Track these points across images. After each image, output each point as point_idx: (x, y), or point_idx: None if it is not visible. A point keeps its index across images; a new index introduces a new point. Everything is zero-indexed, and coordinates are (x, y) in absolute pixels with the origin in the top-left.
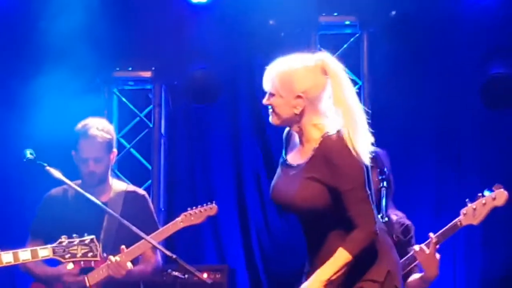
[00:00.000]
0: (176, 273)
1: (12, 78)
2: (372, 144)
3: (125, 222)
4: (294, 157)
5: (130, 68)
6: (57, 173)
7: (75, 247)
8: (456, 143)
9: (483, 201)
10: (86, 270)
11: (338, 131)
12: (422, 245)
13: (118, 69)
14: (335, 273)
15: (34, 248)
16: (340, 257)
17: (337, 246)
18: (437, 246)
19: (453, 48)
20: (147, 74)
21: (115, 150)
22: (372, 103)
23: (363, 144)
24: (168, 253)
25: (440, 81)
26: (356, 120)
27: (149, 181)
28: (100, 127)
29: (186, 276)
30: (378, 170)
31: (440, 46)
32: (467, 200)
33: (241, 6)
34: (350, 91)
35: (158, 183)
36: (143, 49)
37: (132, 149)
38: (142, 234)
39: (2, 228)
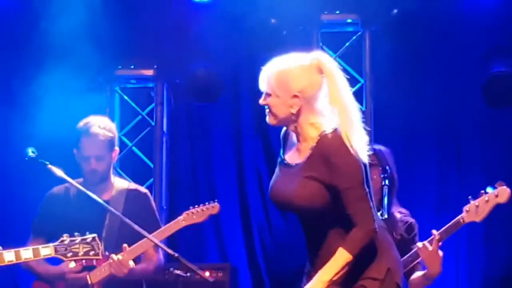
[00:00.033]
0: (178, 272)
1: (14, 76)
2: (375, 142)
3: (127, 220)
4: (292, 157)
5: (132, 67)
6: (59, 172)
7: (77, 246)
8: (457, 141)
9: (486, 198)
10: (88, 268)
11: (335, 130)
12: (425, 242)
13: (120, 67)
14: (336, 274)
15: (36, 246)
16: (341, 257)
17: (336, 245)
18: (440, 243)
19: (454, 46)
20: (149, 72)
21: (117, 148)
22: (374, 101)
23: (359, 142)
24: (170, 251)
25: (442, 79)
26: (351, 119)
27: (151, 179)
28: (102, 125)
29: (188, 274)
30: (381, 168)
31: (441, 44)
32: (469, 197)
33: (243, 4)
34: (345, 90)
35: (160, 181)
36: (145, 47)
37: (134, 147)
38: (144, 232)
39: (4, 226)
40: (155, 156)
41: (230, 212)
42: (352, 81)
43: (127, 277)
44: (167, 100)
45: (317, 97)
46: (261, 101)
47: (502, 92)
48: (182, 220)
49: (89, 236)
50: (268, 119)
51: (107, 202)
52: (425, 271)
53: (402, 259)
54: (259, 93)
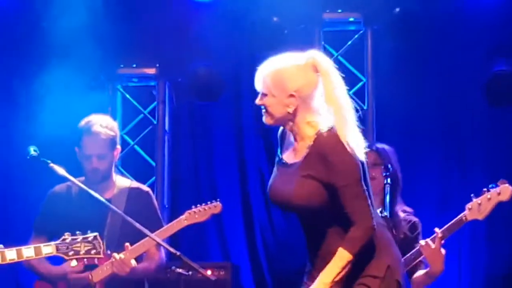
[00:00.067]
0: (180, 270)
1: (16, 75)
2: (377, 141)
3: (129, 219)
4: (290, 156)
5: (134, 65)
6: (60, 170)
7: (78, 244)
8: (459, 140)
9: (488, 196)
10: (90, 267)
11: (331, 128)
12: (428, 240)
13: (122, 66)
14: (338, 274)
15: (38, 245)
16: (341, 258)
17: (336, 244)
18: (443, 241)
19: (456, 45)
20: (151, 71)
21: (118, 146)
22: (376, 100)
23: (355, 140)
24: (172, 250)
25: (444, 78)
26: (346, 118)
27: (153, 178)
28: (103, 124)
29: (190, 273)
30: (383, 167)
31: (443, 43)
32: (472, 195)
33: (244, 3)
34: (340, 89)
35: (162, 180)
36: (147, 46)
37: (136, 146)
38: (146, 231)
39: (6, 225)
40: (157, 154)
41: (232, 210)
42: (354, 80)
43: (129, 276)
44: (169, 98)
45: (313, 96)
46: (257, 101)
47: (504, 91)
48: (184, 219)
49: (90, 235)
50: (265, 119)
51: (109, 200)
52: (428, 269)
53: (404, 257)
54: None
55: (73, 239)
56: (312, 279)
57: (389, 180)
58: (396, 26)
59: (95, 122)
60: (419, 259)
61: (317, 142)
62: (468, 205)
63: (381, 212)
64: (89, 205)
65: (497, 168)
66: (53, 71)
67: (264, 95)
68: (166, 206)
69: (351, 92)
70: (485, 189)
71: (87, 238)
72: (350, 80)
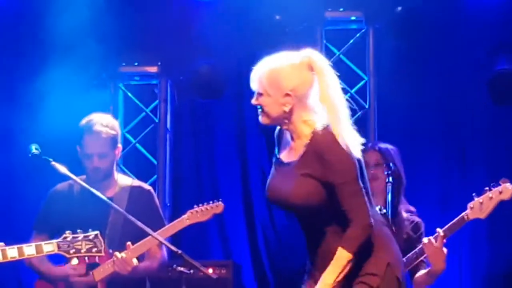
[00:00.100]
0: (181, 269)
1: (18, 74)
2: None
3: (131, 217)
4: (287, 155)
5: (136, 63)
6: (62, 168)
7: (80, 243)
8: (461, 138)
9: (490, 195)
10: (91, 266)
11: (327, 126)
12: (431, 238)
13: (124, 64)
14: (339, 274)
15: (39, 243)
16: (341, 258)
17: (335, 243)
18: (444, 241)
19: (459, 44)
20: (153, 69)
21: (119, 145)
22: (378, 98)
23: (350, 138)
24: (173, 248)
25: (446, 76)
26: (339, 117)
27: (155, 176)
28: (104, 123)
29: (192, 271)
30: (385, 165)
31: (446, 42)
32: (473, 194)
33: (246, 1)
34: (335, 88)
35: (164, 178)
36: (149, 44)
37: (137, 144)
38: (148, 230)
39: (7, 223)
40: (159, 153)
41: (234, 209)
42: (356, 79)
43: (130, 275)
44: (171, 97)
45: (309, 94)
46: (253, 101)
47: (507, 90)
48: (186, 219)
49: (91, 233)
50: (261, 118)
51: (110, 199)
52: (429, 268)
53: (406, 257)
54: None
55: (74, 237)
56: (313, 277)
57: (390, 178)
58: (398, 25)
59: (96, 121)
60: (421, 258)
61: (314, 140)
62: (470, 204)
63: (380, 210)
64: (90, 203)
65: (499, 167)
66: (55, 69)
67: (260, 94)
68: (168, 204)
69: (352, 91)
70: (486, 188)
71: (88, 236)
72: (351, 79)
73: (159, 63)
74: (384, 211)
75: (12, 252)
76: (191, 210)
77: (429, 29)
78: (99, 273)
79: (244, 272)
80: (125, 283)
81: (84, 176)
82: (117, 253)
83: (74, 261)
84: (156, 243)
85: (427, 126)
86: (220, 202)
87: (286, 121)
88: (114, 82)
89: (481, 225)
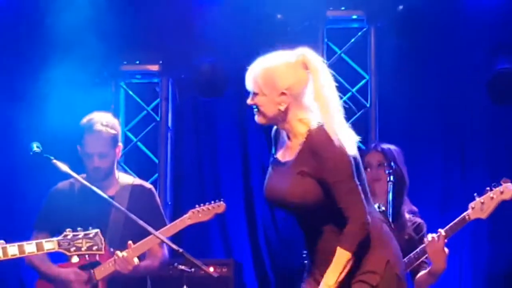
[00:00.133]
0: (182, 267)
1: (20, 72)
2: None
3: (133, 216)
4: (284, 154)
5: (137, 62)
6: (63, 166)
7: (80, 241)
8: (462, 138)
9: (491, 195)
10: (92, 265)
11: (322, 125)
12: (434, 235)
13: (125, 62)
14: (340, 274)
15: (40, 241)
16: (340, 258)
17: (333, 242)
18: (446, 240)
19: (460, 43)
20: (155, 67)
21: (120, 144)
22: (379, 97)
23: (345, 136)
24: (174, 247)
25: (447, 76)
26: (332, 115)
27: (156, 175)
28: (104, 122)
29: (193, 270)
30: (386, 164)
31: (447, 41)
32: (475, 194)
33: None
34: (329, 87)
35: (165, 177)
36: (150, 42)
37: (139, 143)
38: (150, 229)
39: (8, 221)
40: (160, 151)
41: (235, 207)
42: (357, 77)
43: (131, 274)
44: (172, 95)
45: (304, 93)
46: (248, 101)
47: (507, 89)
48: (188, 218)
49: (92, 231)
50: (257, 118)
51: (111, 198)
52: (430, 267)
53: (407, 257)
54: None
55: (74, 235)
56: (312, 276)
57: (391, 177)
58: (399, 24)
59: (97, 121)
60: (422, 259)
61: (309, 138)
62: (471, 204)
63: (379, 207)
64: (91, 202)
65: (500, 167)
66: (57, 67)
67: (255, 94)
68: (169, 203)
69: (354, 90)
70: (488, 188)
71: (88, 234)
72: (353, 77)
73: (161, 62)
74: (383, 208)
75: (12, 250)
76: (193, 210)
77: (431, 28)
78: (100, 272)
79: (245, 271)
80: (126, 282)
81: (84, 175)
82: (118, 252)
83: (75, 259)
84: (158, 242)
85: (428, 125)
86: (221, 202)
87: (282, 120)
88: (115, 80)
89: (482, 225)
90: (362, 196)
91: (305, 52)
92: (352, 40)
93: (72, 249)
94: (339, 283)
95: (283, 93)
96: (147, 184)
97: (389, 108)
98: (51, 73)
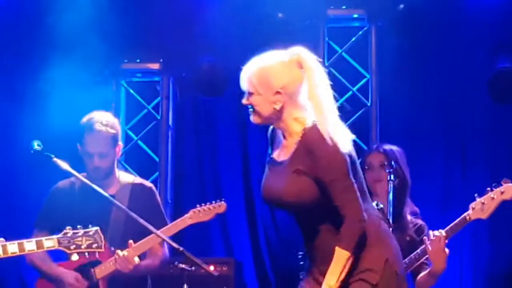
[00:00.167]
0: (183, 266)
1: (21, 71)
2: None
3: (134, 215)
4: (280, 154)
5: (138, 60)
6: (64, 165)
7: (80, 238)
8: (462, 137)
9: (492, 195)
10: (92, 263)
11: (316, 123)
12: (436, 232)
13: (126, 61)
14: (341, 273)
15: (40, 238)
16: (340, 257)
17: (330, 241)
18: (446, 241)
19: (460, 42)
20: (155, 66)
21: (120, 143)
22: (380, 96)
23: (339, 134)
24: (175, 245)
25: (447, 75)
26: (325, 115)
27: (157, 173)
28: (104, 122)
29: (193, 268)
30: (386, 163)
31: (447, 40)
32: (476, 194)
33: None
34: (322, 86)
35: (166, 175)
36: (151, 41)
37: (139, 141)
38: (151, 228)
39: (9, 219)
40: (161, 150)
41: (236, 206)
42: (358, 76)
43: (132, 273)
44: (173, 94)
45: (299, 92)
46: (243, 101)
47: (508, 88)
48: (189, 218)
49: (91, 229)
50: (252, 118)
51: (112, 196)
52: (430, 268)
53: (408, 258)
54: None
55: (74, 233)
56: (311, 274)
57: (392, 176)
58: (400, 23)
59: (97, 120)
60: (422, 260)
61: (304, 137)
62: (472, 205)
63: (377, 205)
64: (92, 201)
65: (501, 166)
66: (57, 66)
67: (250, 94)
68: (169, 201)
69: (354, 89)
70: (488, 189)
71: (88, 232)
72: (354, 76)
73: (161, 60)
74: (381, 206)
75: (12, 248)
76: (194, 210)
77: (431, 27)
78: (101, 271)
79: (246, 270)
80: (126, 281)
81: (85, 174)
82: (119, 251)
83: (75, 257)
84: (158, 241)
85: (429, 124)
86: (222, 202)
87: (278, 119)
88: (116, 79)
89: (482, 225)
90: (358, 194)
91: (300, 51)
92: (353, 39)
93: (72, 246)
94: (340, 282)
95: (278, 92)
96: (148, 183)
97: (390, 107)
98: (52, 71)
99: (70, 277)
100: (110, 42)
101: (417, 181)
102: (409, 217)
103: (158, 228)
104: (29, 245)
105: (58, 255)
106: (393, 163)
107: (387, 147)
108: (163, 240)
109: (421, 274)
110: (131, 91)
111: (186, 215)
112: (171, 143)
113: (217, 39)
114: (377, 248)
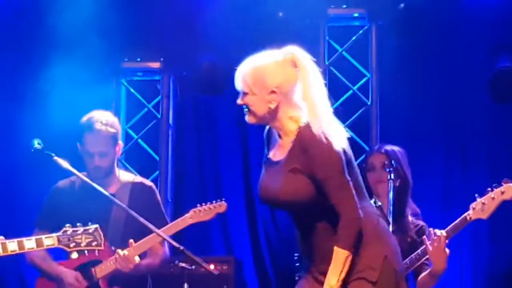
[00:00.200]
0: (183, 264)
1: (21, 70)
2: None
3: (134, 214)
4: (276, 154)
5: (138, 59)
6: (64, 163)
7: (80, 236)
8: (463, 136)
9: (492, 195)
10: (93, 262)
11: (309, 122)
12: (437, 230)
13: (126, 59)
14: (341, 273)
15: (39, 236)
16: (339, 257)
17: (327, 239)
18: (447, 241)
19: (461, 41)
20: (156, 65)
21: (120, 142)
22: (380, 95)
23: (333, 132)
24: (175, 244)
25: (448, 74)
26: (319, 115)
27: (157, 172)
28: (104, 121)
29: (193, 267)
30: (386, 163)
31: (448, 39)
32: (476, 195)
33: None
34: (317, 85)
35: (166, 174)
36: (151, 40)
37: (140, 140)
38: (152, 227)
39: (9, 218)
40: (161, 148)
41: (236, 205)
42: (358, 75)
43: (132, 272)
44: (174, 92)
45: (294, 91)
46: (238, 101)
47: (508, 88)
48: (189, 218)
49: (91, 227)
50: (248, 118)
51: (112, 195)
52: (430, 268)
53: (408, 258)
54: None
55: (74, 231)
56: (310, 274)
57: (392, 176)
58: (401, 22)
59: (96, 120)
60: (422, 260)
61: (299, 136)
62: (472, 205)
63: (375, 202)
64: (92, 200)
65: (501, 166)
66: (58, 65)
67: (245, 94)
68: (170, 200)
69: (355, 88)
70: (489, 189)
71: (88, 230)
72: (354, 75)
73: (162, 59)
74: (380, 203)
75: (12, 246)
76: (194, 209)
77: (432, 27)
78: (101, 271)
79: (246, 268)
80: (127, 280)
81: (85, 173)
82: (119, 251)
83: (74, 255)
84: (159, 240)
85: (429, 124)
86: (223, 202)
87: (273, 119)
88: (116, 77)
89: (482, 225)
90: (353, 191)
91: (294, 50)
92: (353, 38)
93: (72, 244)
94: (341, 281)
95: (273, 92)
96: (148, 182)
97: (390, 106)
98: (52, 70)
99: (70, 276)
100: (111, 41)
101: (417, 181)
102: (410, 218)
103: (158, 227)
104: (29, 243)
105: (58, 254)
106: (393, 162)
107: (389, 147)
108: (164, 239)
109: (422, 275)
110: (132, 90)
111: (186, 215)
112: (171, 142)
113: (217, 38)
114: (375, 246)
